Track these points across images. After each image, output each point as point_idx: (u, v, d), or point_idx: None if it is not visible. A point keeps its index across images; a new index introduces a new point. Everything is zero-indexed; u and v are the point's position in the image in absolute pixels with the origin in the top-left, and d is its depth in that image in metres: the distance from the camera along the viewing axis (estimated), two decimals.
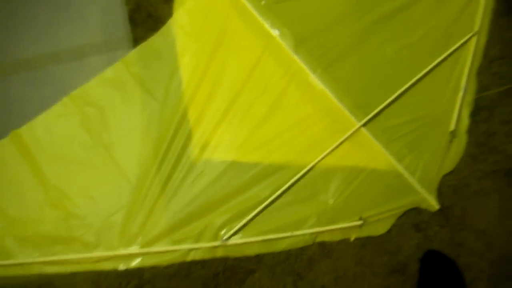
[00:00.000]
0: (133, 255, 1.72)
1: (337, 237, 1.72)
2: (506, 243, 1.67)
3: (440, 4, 1.93)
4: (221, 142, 1.84)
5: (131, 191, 1.78)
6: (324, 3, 1.94)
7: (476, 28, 1.89)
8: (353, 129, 1.80)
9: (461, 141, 1.80)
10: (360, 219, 1.72)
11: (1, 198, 1.78)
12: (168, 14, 1.94)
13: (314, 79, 1.86)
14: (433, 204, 1.73)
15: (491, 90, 1.85)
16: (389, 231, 1.72)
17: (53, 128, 1.86)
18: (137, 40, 1.94)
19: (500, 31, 1.91)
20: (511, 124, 1.82)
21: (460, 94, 1.83)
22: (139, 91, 1.90)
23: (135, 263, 1.72)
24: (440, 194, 1.75)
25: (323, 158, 1.79)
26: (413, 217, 1.73)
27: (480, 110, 1.84)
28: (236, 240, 1.73)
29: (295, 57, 1.88)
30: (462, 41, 1.87)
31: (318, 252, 1.72)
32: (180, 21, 1.94)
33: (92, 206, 1.78)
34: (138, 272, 1.71)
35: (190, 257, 1.72)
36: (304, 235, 1.73)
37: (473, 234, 1.70)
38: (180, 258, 1.72)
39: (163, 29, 1.95)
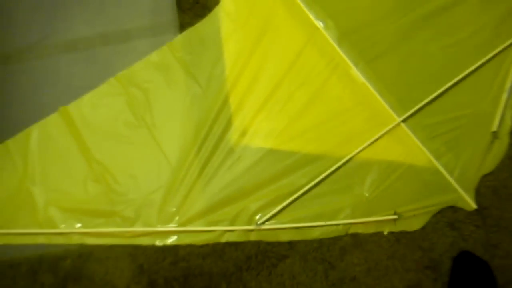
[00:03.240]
0: (170, 232, 1.78)
1: (371, 229, 1.74)
2: None
3: (488, 3, 1.90)
4: (260, 129, 1.88)
5: (171, 172, 1.84)
6: None
7: None
8: (393, 124, 1.81)
9: (503, 142, 1.78)
10: (395, 213, 1.72)
11: (48, 171, 1.86)
12: (215, 1, 1.99)
13: (356, 72, 1.87)
14: (470, 203, 1.72)
15: None
16: (423, 228, 1.72)
17: (99, 106, 1.94)
18: (183, 25, 1.99)
19: None
20: None
21: (505, 95, 1.81)
22: (183, 75, 1.96)
23: (171, 240, 1.77)
24: (478, 194, 1.74)
25: (361, 150, 1.80)
26: (448, 215, 1.72)
27: None
28: (270, 225, 1.77)
29: (338, 50, 1.90)
30: (509, 42, 1.84)
31: (351, 243, 1.73)
32: (227, 8, 1.99)
33: (133, 183, 1.85)
34: (174, 249, 1.77)
35: (225, 239, 1.77)
36: (337, 225, 1.75)
37: (509, 236, 1.68)
38: (215, 239, 1.77)
39: (210, 16, 1.99)
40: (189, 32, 1.99)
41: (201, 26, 1.99)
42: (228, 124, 1.88)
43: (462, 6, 1.91)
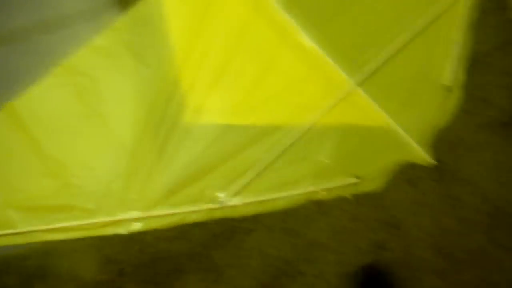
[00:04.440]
0: (133, 219, 1.75)
1: (333, 195, 1.75)
2: (500, 196, 1.69)
3: None
4: (214, 106, 1.84)
5: (128, 158, 1.79)
6: None
7: None
8: (347, 87, 1.79)
9: (456, 95, 1.79)
10: (355, 176, 1.73)
11: (1, 171, 1.79)
12: None
13: (306, 39, 1.83)
14: (428, 159, 1.74)
15: (487, 43, 1.82)
16: (384, 187, 1.73)
17: (47, 99, 1.85)
18: (124, 5, 1.90)
19: None
20: (506, 77, 1.80)
21: (455, 48, 1.81)
22: (131, 58, 1.88)
23: (136, 227, 1.75)
24: (435, 149, 1.76)
25: (318, 118, 1.78)
26: (408, 172, 1.75)
27: (476, 64, 1.82)
28: (233, 201, 1.76)
29: (286, 16, 1.85)
30: None
31: (315, 210, 1.74)
32: None
33: (91, 175, 1.79)
34: (140, 236, 1.75)
35: (189, 219, 1.75)
36: (300, 194, 1.75)
37: (467, 187, 1.72)
38: (180, 221, 1.75)
39: None
40: (132, 12, 1.90)
41: (143, 5, 1.91)
42: (182, 103, 1.83)
43: None
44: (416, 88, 1.80)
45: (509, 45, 1.81)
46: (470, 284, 1.61)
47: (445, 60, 1.81)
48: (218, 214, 1.76)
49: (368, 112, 1.79)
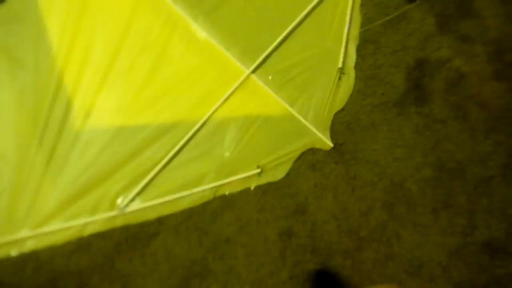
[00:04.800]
0: (24, 238, 1.61)
1: (237, 188, 1.71)
2: (395, 171, 1.74)
3: None
4: (105, 107, 1.72)
5: (12, 171, 1.64)
6: None
7: None
8: (242, 77, 1.75)
9: (350, 77, 1.81)
10: (258, 167, 1.71)
11: None
12: None
13: (196, 28, 1.75)
14: (327, 142, 1.75)
15: (376, 22, 1.85)
16: (287, 175, 1.73)
17: None
18: None
19: None
20: (396, 55, 1.84)
21: (345, 29, 1.81)
22: (5, 61, 1.71)
23: (27, 246, 1.61)
24: (333, 132, 1.77)
25: (215, 110, 1.73)
26: (309, 158, 1.75)
27: (367, 43, 1.85)
28: (134, 206, 1.67)
29: (173, 5, 1.75)
30: None
31: (220, 206, 1.70)
32: None
33: None
34: (33, 255, 1.62)
35: (88, 231, 1.65)
36: (204, 191, 1.70)
37: (365, 166, 1.75)
38: (77, 234, 1.64)
39: None
40: (1, 10, 1.71)
41: (14, 1, 1.72)
42: (68, 106, 1.70)
43: None
44: (310, 73, 1.79)
45: (398, 23, 1.85)
46: (373, 260, 1.66)
47: (338, 42, 1.81)
48: (119, 222, 1.67)
49: (266, 100, 1.76)
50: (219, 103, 1.73)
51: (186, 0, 1.77)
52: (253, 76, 1.75)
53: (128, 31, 1.74)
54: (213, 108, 1.73)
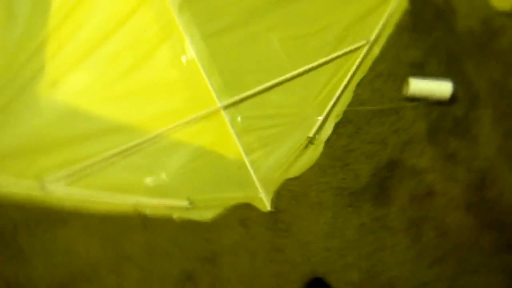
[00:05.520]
0: None
1: (160, 212, 1.66)
2: (322, 261, 1.64)
3: (342, 3, 1.80)
4: (72, 84, 1.71)
5: None
6: None
7: (371, 37, 1.78)
8: (212, 108, 1.70)
9: (317, 149, 1.74)
10: (189, 200, 1.65)
11: None
12: None
13: (189, 45, 1.73)
14: (266, 205, 1.67)
15: (365, 107, 1.76)
16: (213, 220, 1.66)
17: None
18: None
19: (397, 47, 1.81)
20: (372, 146, 1.75)
21: (331, 102, 1.74)
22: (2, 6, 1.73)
23: None
24: (278, 196, 1.69)
25: (169, 129, 1.69)
26: (242, 212, 1.67)
27: (348, 124, 1.77)
28: (58, 187, 1.64)
29: (176, 17, 1.73)
30: (351, 48, 1.76)
31: (138, 223, 1.65)
32: None
33: None
34: None
35: (3, 193, 1.63)
36: (126, 201, 1.65)
37: (294, 244, 1.66)
38: None
39: None
40: None
41: None
42: (40, 70, 1.70)
43: (314, 1, 1.78)
44: (279, 131, 1.73)
45: (387, 116, 1.76)
46: None
47: (318, 112, 1.75)
48: (38, 197, 1.65)
49: (225, 139, 1.71)
50: (179, 123, 1.69)
51: (190, 16, 1.74)
52: (222, 112, 1.70)
53: (125, 22, 1.73)
54: (170, 126, 1.68)
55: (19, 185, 1.63)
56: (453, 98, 1.76)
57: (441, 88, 1.73)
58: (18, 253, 1.61)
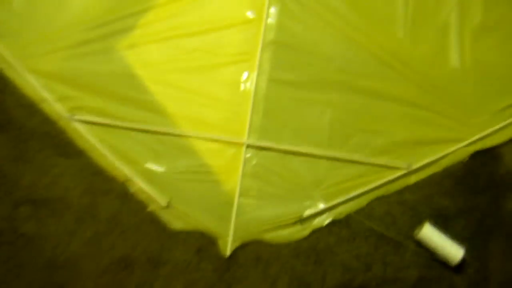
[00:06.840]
0: None
1: (141, 197, 1.72)
2: None
3: (410, 120, 1.81)
4: (145, 55, 1.89)
5: None
6: None
7: (414, 165, 1.74)
8: (237, 139, 1.77)
9: (303, 231, 1.69)
10: (168, 202, 1.70)
11: None
12: None
13: (253, 78, 1.84)
14: (227, 249, 1.66)
15: (370, 223, 1.70)
16: (178, 231, 1.68)
17: None
18: None
19: (434, 188, 1.74)
20: (355, 262, 1.67)
21: (341, 199, 1.70)
22: None
23: None
24: (242, 249, 1.67)
25: (194, 134, 1.77)
26: (206, 242, 1.67)
27: (345, 227, 1.71)
28: (80, 126, 1.80)
29: (260, 49, 1.87)
30: (388, 164, 1.72)
31: (118, 190, 1.73)
32: None
33: None
34: None
35: None
36: (122, 171, 1.74)
37: None
38: None
39: None
40: None
41: None
42: (129, 29, 1.91)
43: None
44: (279, 191, 1.73)
45: (385, 244, 1.67)
46: None
47: (320, 201, 1.72)
48: (63, 126, 1.81)
49: (231, 172, 1.75)
50: (204, 134, 1.77)
51: (272, 55, 1.87)
52: (244, 148, 1.75)
53: (219, 30, 1.92)
54: (196, 132, 1.77)
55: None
56: (459, 267, 1.63)
57: (452, 249, 1.61)
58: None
